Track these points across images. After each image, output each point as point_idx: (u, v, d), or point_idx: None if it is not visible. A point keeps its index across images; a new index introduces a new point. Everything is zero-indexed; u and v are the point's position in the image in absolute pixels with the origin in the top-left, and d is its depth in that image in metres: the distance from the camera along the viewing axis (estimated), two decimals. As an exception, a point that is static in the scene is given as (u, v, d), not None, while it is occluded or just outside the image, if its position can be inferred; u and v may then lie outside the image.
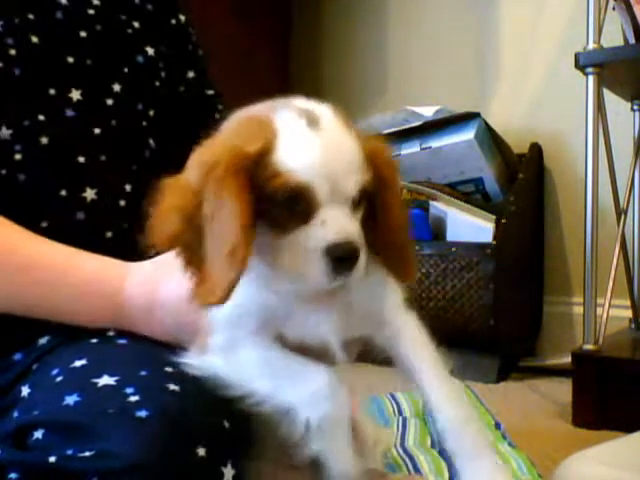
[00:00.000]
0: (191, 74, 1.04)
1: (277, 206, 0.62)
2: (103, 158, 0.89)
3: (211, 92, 1.07)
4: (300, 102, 0.66)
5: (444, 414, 0.71)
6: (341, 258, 0.61)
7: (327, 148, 0.62)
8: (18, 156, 0.84)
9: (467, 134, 1.94)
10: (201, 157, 0.64)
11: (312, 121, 0.63)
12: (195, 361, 0.68)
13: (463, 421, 0.71)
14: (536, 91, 2.14)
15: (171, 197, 0.63)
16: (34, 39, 0.87)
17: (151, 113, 0.95)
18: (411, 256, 0.73)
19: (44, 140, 0.85)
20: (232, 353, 0.68)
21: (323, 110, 0.64)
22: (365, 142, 0.65)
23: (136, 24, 0.97)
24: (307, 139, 0.62)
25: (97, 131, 0.89)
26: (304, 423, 0.65)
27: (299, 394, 0.66)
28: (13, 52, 0.85)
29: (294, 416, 0.65)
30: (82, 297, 0.77)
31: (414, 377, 0.72)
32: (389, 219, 0.69)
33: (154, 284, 0.75)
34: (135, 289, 0.76)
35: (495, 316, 1.80)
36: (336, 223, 0.62)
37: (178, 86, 1.03)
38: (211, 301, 0.63)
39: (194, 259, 0.63)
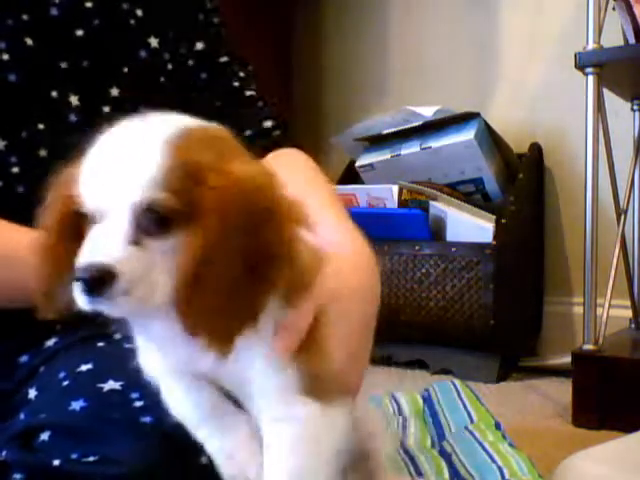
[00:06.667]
0: (200, 45, 0.97)
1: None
2: None
3: (224, 59, 0.99)
4: (149, 119, 0.58)
5: None
6: (86, 281, 0.53)
7: (104, 166, 0.56)
8: (15, 169, 0.81)
9: (467, 134, 1.94)
10: None
11: (117, 138, 0.57)
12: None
13: None
14: (536, 91, 2.14)
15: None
16: (28, 41, 0.82)
17: None
18: (201, 319, 0.54)
19: (43, 152, 0.82)
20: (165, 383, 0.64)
21: (150, 128, 0.57)
22: (194, 163, 0.54)
23: (139, 12, 0.91)
24: (93, 157, 0.57)
25: None
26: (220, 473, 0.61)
27: (216, 445, 0.62)
28: (6, 57, 0.81)
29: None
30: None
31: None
32: (183, 256, 0.54)
33: None
34: None
35: (495, 316, 1.81)
36: (90, 242, 0.55)
37: (186, 62, 0.96)
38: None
39: None
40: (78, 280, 0.53)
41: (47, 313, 0.61)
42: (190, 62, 0.97)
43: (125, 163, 0.55)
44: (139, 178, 0.54)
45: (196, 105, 0.90)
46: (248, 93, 0.98)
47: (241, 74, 0.99)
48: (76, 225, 0.58)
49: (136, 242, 0.54)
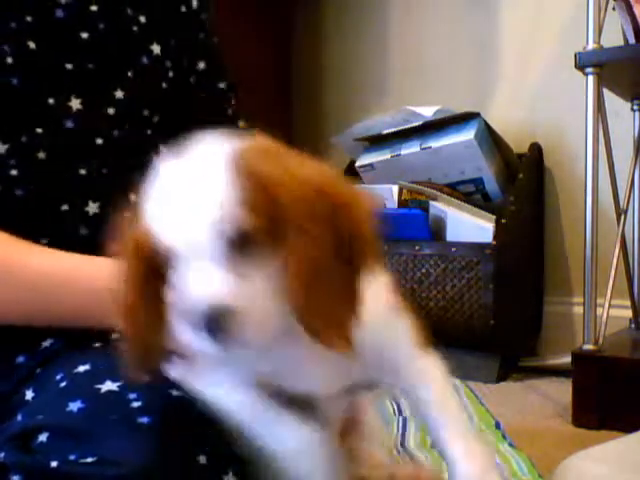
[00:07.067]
0: (202, 65, 1.00)
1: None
2: (105, 170, 0.85)
3: (223, 85, 1.03)
4: (199, 144, 0.57)
5: (460, 469, 0.68)
6: (209, 323, 0.52)
7: (176, 198, 0.54)
8: (14, 172, 0.81)
9: (467, 134, 1.94)
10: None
11: (178, 168, 0.56)
12: (180, 374, 0.67)
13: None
14: (536, 91, 2.14)
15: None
16: (31, 45, 0.82)
17: (156, 119, 0.92)
18: (326, 321, 0.55)
19: (41, 155, 0.82)
20: (214, 388, 0.65)
21: (207, 151, 0.56)
22: (261, 175, 0.54)
23: (142, 19, 0.92)
24: (159, 192, 0.56)
25: (99, 141, 0.85)
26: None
27: (278, 446, 0.63)
28: (10, 60, 0.80)
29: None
30: (97, 293, 0.74)
31: (434, 431, 0.70)
32: (287, 270, 0.54)
33: None
34: None
35: (495, 316, 1.80)
36: (194, 282, 0.53)
37: (188, 78, 0.99)
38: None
39: None
40: (198, 324, 0.52)
41: (144, 372, 0.63)
42: (191, 79, 0.99)
43: (197, 191, 0.53)
44: (217, 203, 0.52)
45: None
46: (241, 124, 1.03)
47: (234, 102, 1.03)
48: (155, 267, 0.57)
49: (237, 272, 0.53)
